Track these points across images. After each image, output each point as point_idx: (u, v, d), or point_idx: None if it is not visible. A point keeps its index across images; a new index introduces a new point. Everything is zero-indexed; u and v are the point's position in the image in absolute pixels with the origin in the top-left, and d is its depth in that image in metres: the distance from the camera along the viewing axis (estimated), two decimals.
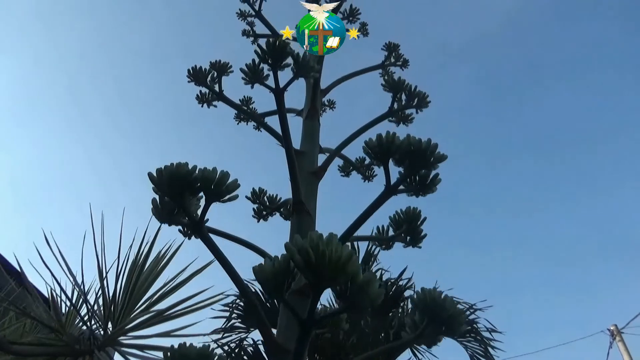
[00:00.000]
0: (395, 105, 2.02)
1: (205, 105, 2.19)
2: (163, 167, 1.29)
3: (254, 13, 2.48)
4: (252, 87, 1.76)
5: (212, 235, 1.41)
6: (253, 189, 2.31)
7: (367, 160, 2.56)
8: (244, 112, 2.03)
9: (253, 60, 1.71)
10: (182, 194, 1.30)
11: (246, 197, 2.31)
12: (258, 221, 2.36)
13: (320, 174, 1.94)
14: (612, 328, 14.40)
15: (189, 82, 2.11)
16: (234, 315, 4.01)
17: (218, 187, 1.30)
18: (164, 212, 1.36)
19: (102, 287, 2.75)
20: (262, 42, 1.66)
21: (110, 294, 2.76)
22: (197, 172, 1.30)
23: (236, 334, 3.84)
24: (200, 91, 2.17)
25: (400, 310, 4.39)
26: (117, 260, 2.66)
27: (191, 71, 2.09)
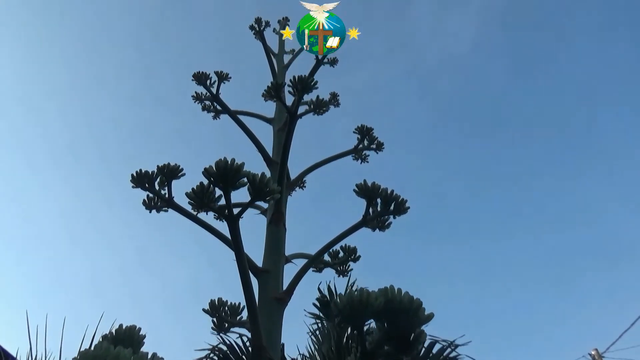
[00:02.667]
0: (371, 211, 1.78)
1: (154, 211, 1.91)
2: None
3: (210, 96, 2.24)
4: (199, 212, 1.50)
5: None
6: (211, 300, 2.02)
7: (341, 254, 2.31)
8: (199, 222, 1.75)
9: (201, 183, 1.45)
10: None
11: (203, 310, 2.02)
12: (218, 334, 2.07)
13: (286, 299, 1.67)
14: (593, 353, 14.29)
15: (133, 187, 1.84)
16: None
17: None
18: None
19: None
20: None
21: None
22: None
23: None
24: (148, 196, 1.89)
25: None
26: None
27: (135, 176, 1.81)
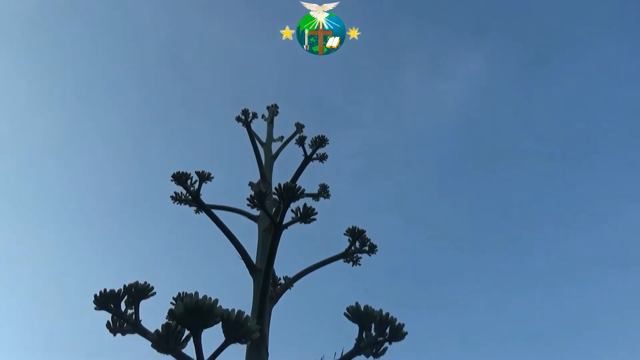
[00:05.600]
0: (364, 336, 1.58)
1: (119, 334, 1.69)
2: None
3: (191, 197, 2.09)
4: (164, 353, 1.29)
5: None
6: None
7: None
8: (167, 352, 1.54)
9: (167, 324, 1.26)
10: None
11: None
12: None
13: None
14: None
15: (96, 309, 1.63)
16: None
17: None
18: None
19: None
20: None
21: None
22: None
23: None
24: (113, 317, 1.68)
25: None
26: None
27: (98, 296, 1.61)
